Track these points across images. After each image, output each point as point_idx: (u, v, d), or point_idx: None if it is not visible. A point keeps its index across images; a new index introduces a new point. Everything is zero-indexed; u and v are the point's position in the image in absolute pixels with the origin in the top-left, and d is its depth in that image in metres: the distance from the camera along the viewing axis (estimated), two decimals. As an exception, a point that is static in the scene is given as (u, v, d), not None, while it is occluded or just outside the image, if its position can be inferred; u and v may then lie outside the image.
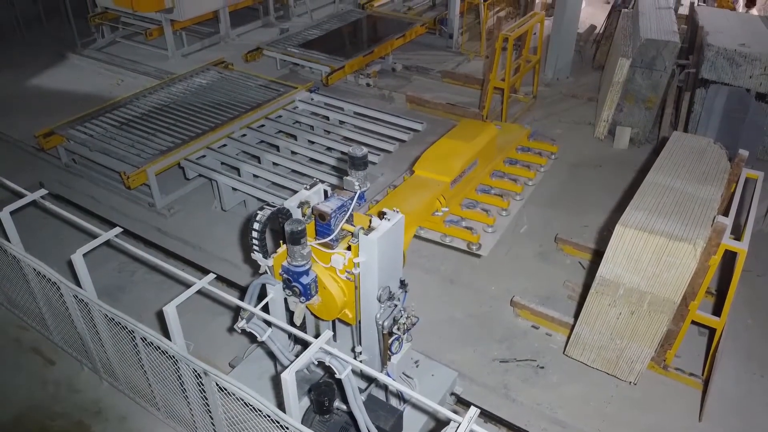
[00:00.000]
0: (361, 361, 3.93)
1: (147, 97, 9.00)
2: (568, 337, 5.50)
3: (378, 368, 4.14)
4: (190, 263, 6.73)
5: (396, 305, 4.03)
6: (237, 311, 5.17)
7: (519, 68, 9.83)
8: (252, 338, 4.61)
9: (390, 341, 4.03)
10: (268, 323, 4.04)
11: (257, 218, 4.03)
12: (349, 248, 3.89)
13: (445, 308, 6.29)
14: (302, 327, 4.34)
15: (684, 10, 11.70)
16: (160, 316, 4.75)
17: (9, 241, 5.05)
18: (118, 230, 4.75)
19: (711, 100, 8.22)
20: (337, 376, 3.57)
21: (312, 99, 8.97)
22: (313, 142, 8.08)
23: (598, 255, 6.40)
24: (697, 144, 5.91)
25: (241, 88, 9.29)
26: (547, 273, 6.73)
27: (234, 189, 7.25)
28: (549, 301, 6.29)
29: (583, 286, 6.32)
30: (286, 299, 4.19)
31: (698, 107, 8.35)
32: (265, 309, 4.11)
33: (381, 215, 3.85)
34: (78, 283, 4.62)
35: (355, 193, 3.90)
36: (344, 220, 3.88)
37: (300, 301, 3.99)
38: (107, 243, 4.67)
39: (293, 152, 7.87)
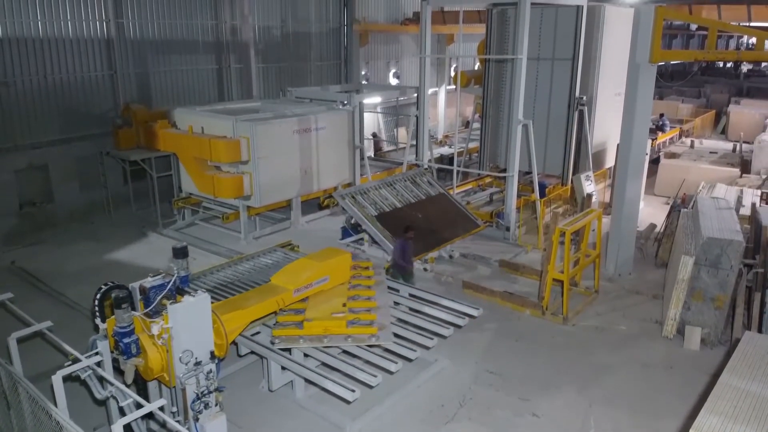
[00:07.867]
0: (177, 421, 4.92)
1: (214, 274, 9.40)
2: None
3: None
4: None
5: (199, 370, 4.95)
6: None
7: (578, 261, 9.82)
8: None
9: (191, 401, 4.92)
10: (101, 376, 5.09)
11: (100, 290, 5.45)
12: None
13: None
14: (144, 389, 5.74)
15: (745, 211, 11.70)
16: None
17: (56, 406, 5.04)
18: (162, 402, 4.71)
19: (784, 301, 7.83)
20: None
21: (369, 282, 9.12)
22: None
23: (673, 467, 5.72)
24: (773, 345, 5.50)
25: (302, 268, 9.59)
26: (615, 484, 6.03)
27: (283, 368, 7.16)
28: None
29: (659, 503, 5.57)
30: (116, 360, 5.28)
31: (771, 308, 7.94)
32: (101, 365, 5.25)
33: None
34: (113, 456, 4.48)
35: (174, 275, 5.38)
36: (162, 296, 5.13)
37: (124, 359, 5.05)
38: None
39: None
